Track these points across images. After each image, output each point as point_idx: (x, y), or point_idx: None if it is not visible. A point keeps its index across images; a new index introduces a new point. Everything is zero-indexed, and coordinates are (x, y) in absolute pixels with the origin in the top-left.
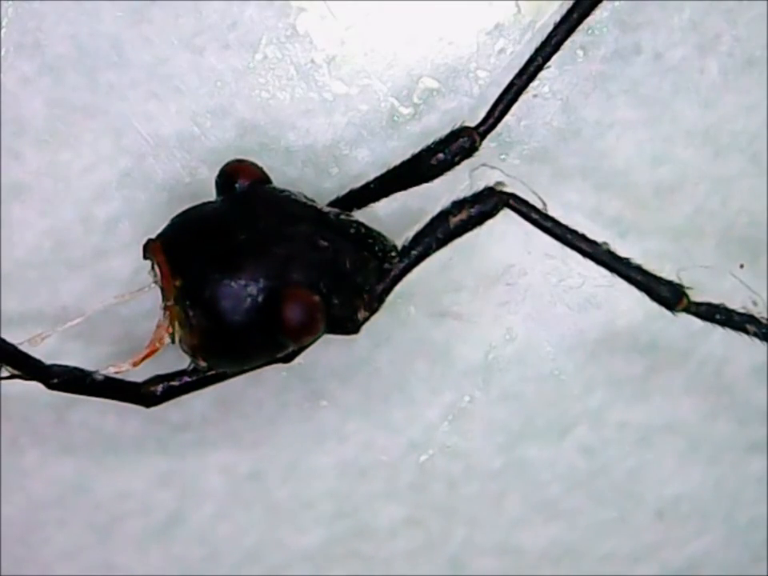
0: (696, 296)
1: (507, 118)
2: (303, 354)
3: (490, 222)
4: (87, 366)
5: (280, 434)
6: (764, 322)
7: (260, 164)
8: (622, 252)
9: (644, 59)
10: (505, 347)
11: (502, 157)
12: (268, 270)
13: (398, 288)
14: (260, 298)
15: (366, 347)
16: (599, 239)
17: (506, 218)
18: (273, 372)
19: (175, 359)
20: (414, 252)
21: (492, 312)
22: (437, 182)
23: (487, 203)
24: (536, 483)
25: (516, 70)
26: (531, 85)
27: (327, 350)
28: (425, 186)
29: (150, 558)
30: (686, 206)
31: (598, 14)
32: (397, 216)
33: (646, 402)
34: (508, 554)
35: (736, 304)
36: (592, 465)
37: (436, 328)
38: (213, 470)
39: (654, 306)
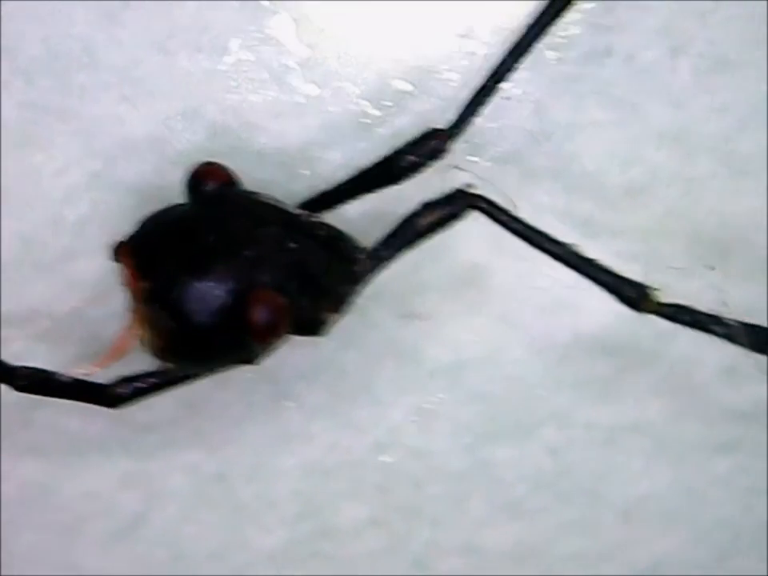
0: (666, 297)
1: (478, 120)
2: (270, 355)
3: (459, 224)
4: (54, 367)
5: (245, 434)
6: (731, 323)
7: (231, 166)
8: (592, 253)
9: (615, 61)
10: (472, 348)
11: (473, 159)
12: (235, 272)
13: (366, 289)
14: (227, 301)
15: (332, 348)
16: (569, 241)
17: (476, 220)
18: (239, 373)
19: (142, 361)
20: (382, 254)
21: (460, 313)
22: (407, 183)
23: (456, 205)
24: (501, 483)
25: (487, 73)
26: (502, 87)
27: (294, 350)
28: (395, 187)
29: (114, 559)
30: (657, 208)
31: (570, 16)
32: (367, 218)
33: (613, 403)
34: (472, 553)
35: (706, 305)
36: (558, 465)
37: (403, 329)
38: (178, 470)
39: (623, 307)
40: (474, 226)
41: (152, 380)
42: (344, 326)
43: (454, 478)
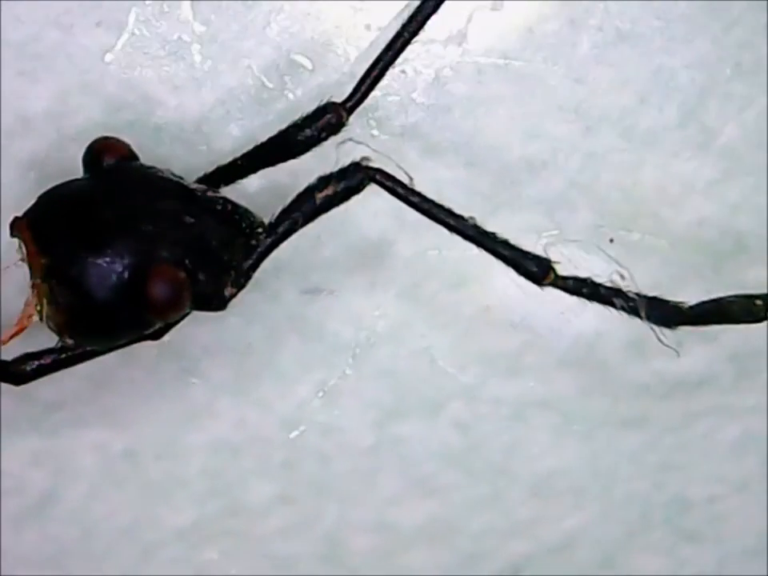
0: (567, 270)
1: (375, 93)
2: (175, 332)
3: (361, 197)
4: None
5: (153, 411)
6: (631, 295)
7: (128, 141)
8: (493, 227)
9: (516, 33)
10: (377, 323)
11: (372, 132)
12: (134, 247)
13: (269, 265)
14: (126, 276)
15: (237, 324)
16: (472, 215)
17: (378, 194)
18: (145, 350)
19: (47, 337)
20: (280, 228)
21: (364, 288)
22: (308, 157)
23: (353, 178)
24: (410, 460)
25: (383, 46)
26: (399, 60)
27: (199, 327)
28: (295, 161)
29: (24, 537)
30: (558, 181)
31: None
32: (266, 192)
33: (520, 378)
34: (383, 530)
35: (607, 278)
36: (466, 441)
37: (308, 305)
38: (86, 448)
39: (524, 279)
40: (376, 199)
41: (55, 356)
42: (247, 302)
43: (363, 455)
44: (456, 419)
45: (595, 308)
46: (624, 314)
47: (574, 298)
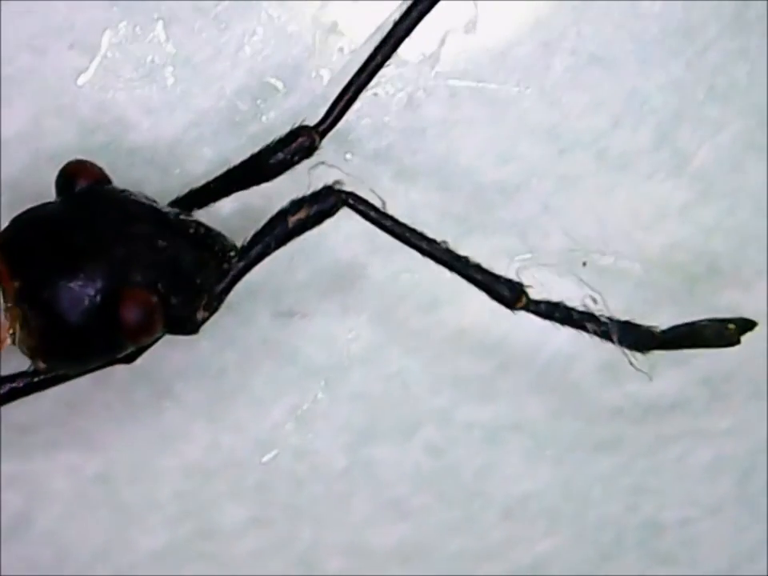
0: (541, 294)
1: (348, 116)
2: (148, 355)
3: (335, 221)
4: None
5: (126, 435)
6: (603, 319)
7: (101, 164)
8: (467, 251)
9: (489, 56)
10: (350, 346)
11: (345, 156)
12: (106, 270)
13: (242, 288)
14: (98, 299)
15: (210, 348)
16: (445, 238)
17: (351, 217)
18: (119, 373)
19: (19, 360)
20: (253, 252)
21: (337, 311)
22: (280, 180)
23: (325, 202)
24: (383, 483)
25: (356, 69)
26: (372, 83)
27: (172, 350)
28: (268, 184)
29: None
30: (531, 204)
31: (440, 12)
32: (239, 215)
33: (493, 401)
34: (356, 553)
35: (579, 302)
36: (439, 464)
37: (281, 328)
38: (60, 471)
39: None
40: (349, 222)
41: (28, 380)
42: (220, 325)
43: (336, 478)
44: (429, 442)
45: (568, 331)
46: (596, 338)
47: (547, 322)
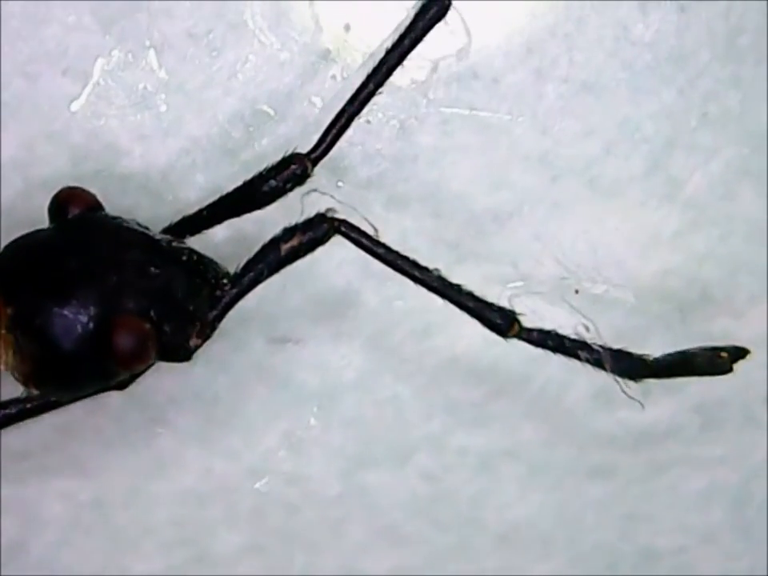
0: (533, 322)
1: (341, 143)
2: (141, 381)
3: (327, 247)
4: None
5: (120, 460)
6: (595, 348)
7: (94, 191)
8: (459, 278)
9: (481, 84)
10: (343, 373)
11: (338, 183)
12: (98, 298)
13: (235, 314)
14: (90, 327)
15: (204, 374)
16: (436, 265)
17: (343, 243)
18: (112, 399)
19: (12, 386)
20: (245, 279)
21: (329, 337)
22: (273, 207)
23: (318, 230)
24: (377, 509)
25: (349, 96)
26: (364, 110)
27: (165, 376)
28: (260, 211)
29: None
30: (523, 232)
31: (433, 39)
32: (232, 242)
33: (486, 428)
34: None
35: (571, 330)
36: (433, 490)
37: (274, 354)
38: (54, 497)
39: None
40: (341, 249)
41: (21, 406)
42: (213, 351)
43: (330, 504)
44: (423, 469)
45: (560, 358)
46: (588, 366)
47: (540, 349)
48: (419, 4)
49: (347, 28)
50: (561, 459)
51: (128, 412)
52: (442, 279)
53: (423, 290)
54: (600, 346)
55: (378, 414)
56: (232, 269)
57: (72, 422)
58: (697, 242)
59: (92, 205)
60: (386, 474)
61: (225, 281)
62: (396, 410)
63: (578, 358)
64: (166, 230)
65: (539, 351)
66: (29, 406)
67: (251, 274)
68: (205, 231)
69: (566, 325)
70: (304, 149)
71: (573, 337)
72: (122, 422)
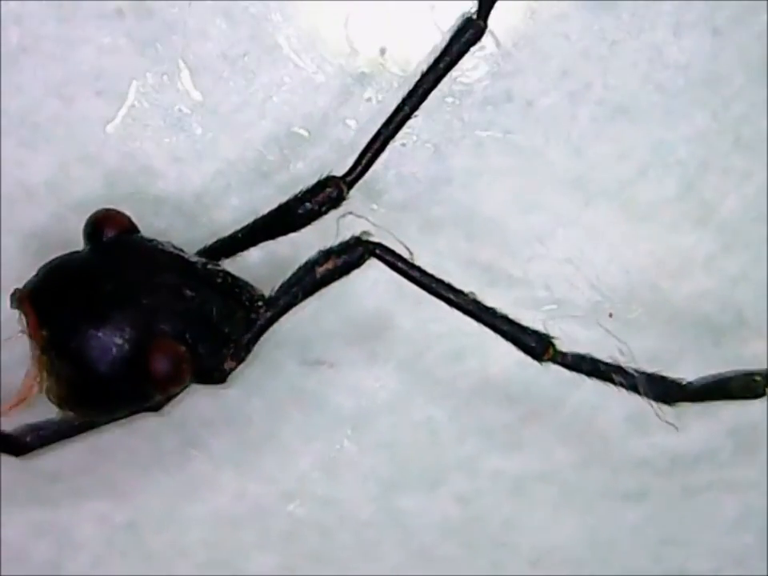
0: (566, 344)
1: (376, 166)
2: (176, 404)
3: (361, 270)
4: None
5: (154, 483)
6: (630, 371)
7: (129, 213)
8: (493, 301)
9: (514, 107)
10: (377, 395)
11: (372, 206)
12: (134, 320)
13: (269, 337)
14: (126, 349)
15: (238, 396)
16: (470, 288)
17: (378, 266)
18: (146, 420)
19: (48, 408)
20: (280, 302)
21: (363, 360)
22: (308, 229)
23: (353, 253)
24: (410, 532)
25: (384, 118)
26: (399, 133)
27: (200, 399)
28: (294, 233)
29: None
30: (557, 254)
31: (468, 62)
32: (266, 264)
33: (519, 451)
34: None
35: (607, 351)
36: (466, 513)
37: (308, 377)
38: (88, 519)
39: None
40: (375, 271)
41: (56, 427)
42: (248, 374)
43: (363, 526)
44: (456, 491)
45: (593, 381)
46: (622, 390)
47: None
48: (455, 27)
49: (382, 51)
50: (594, 483)
51: (163, 434)
52: (476, 302)
53: (456, 313)
54: (635, 370)
55: (412, 437)
56: (266, 291)
57: (106, 444)
58: (730, 265)
59: (127, 227)
60: (419, 497)
61: (260, 303)
62: (429, 433)
63: (612, 381)
64: (200, 252)
65: (572, 375)
66: (63, 427)
67: (286, 296)
68: (239, 253)
69: (599, 348)
70: (339, 171)
71: (607, 360)
72: (157, 445)
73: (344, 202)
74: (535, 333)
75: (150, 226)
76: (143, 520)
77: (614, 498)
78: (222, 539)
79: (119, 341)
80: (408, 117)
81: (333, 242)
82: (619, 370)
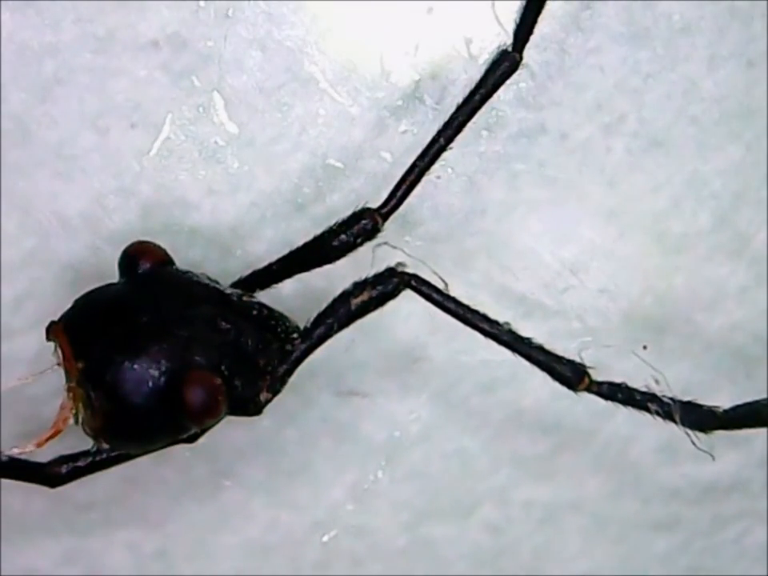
0: (600, 375)
1: (411, 198)
2: (208, 433)
3: (395, 301)
4: None
5: (185, 512)
6: (665, 400)
7: (163, 245)
8: (527, 332)
9: (549, 139)
10: (410, 426)
11: (406, 238)
12: (169, 352)
13: (303, 368)
14: (162, 381)
15: (270, 426)
16: (503, 319)
17: (411, 297)
18: (178, 450)
19: (81, 438)
20: (315, 333)
21: (397, 390)
22: (342, 260)
23: (388, 284)
24: (441, 562)
25: (419, 150)
26: (434, 166)
27: (232, 429)
28: (329, 265)
29: None
30: (591, 286)
31: (502, 95)
32: (300, 296)
33: (551, 481)
34: None
35: (639, 383)
36: (498, 543)
37: (341, 407)
38: (118, 548)
39: (559, 384)
40: (409, 302)
41: (91, 459)
42: (281, 404)
43: (395, 556)
44: (487, 521)
45: (625, 411)
46: (658, 419)
47: (605, 401)
48: (490, 60)
49: (417, 84)
50: (625, 512)
51: (194, 464)
52: (512, 332)
53: (489, 345)
54: (670, 398)
55: (444, 467)
56: (301, 322)
57: (138, 473)
58: (763, 297)
59: (162, 259)
60: (451, 527)
61: (295, 335)
62: (462, 463)
63: (647, 410)
64: (235, 284)
65: (604, 405)
66: (98, 458)
67: (321, 328)
68: (274, 285)
69: (634, 380)
70: (374, 204)
71: (642, 389)
72: (189, 474)
73: (379, 234)
74: (570, 362)
75: (185, 257)
76: (174, 549)
77: (645, 527)
78: (254, 569)
79: (155, 373)
80: (443, 149)
81: (367, 273)
82: (654, 398)
